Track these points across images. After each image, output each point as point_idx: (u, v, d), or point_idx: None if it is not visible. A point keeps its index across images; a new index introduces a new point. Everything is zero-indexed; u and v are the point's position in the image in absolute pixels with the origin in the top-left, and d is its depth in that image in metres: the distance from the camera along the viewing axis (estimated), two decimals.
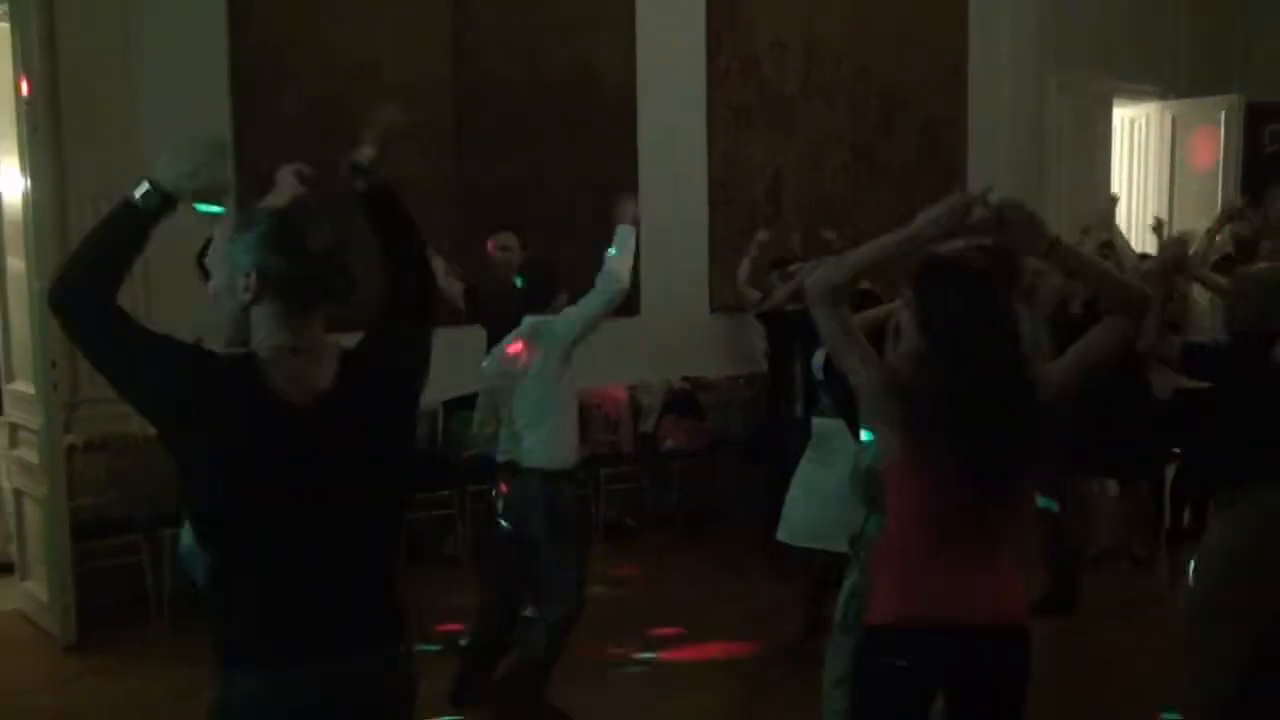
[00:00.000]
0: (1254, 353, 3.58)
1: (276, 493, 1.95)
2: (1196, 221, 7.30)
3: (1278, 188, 4.58)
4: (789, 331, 5.73)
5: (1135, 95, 10.26)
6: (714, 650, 5.02)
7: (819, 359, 4.58)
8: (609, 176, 7.04)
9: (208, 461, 1.94)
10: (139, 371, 1.96)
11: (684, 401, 7.34)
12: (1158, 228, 6.66)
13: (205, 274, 3.51)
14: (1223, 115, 9.86)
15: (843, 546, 4.52)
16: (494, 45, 6.71)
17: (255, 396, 1.94)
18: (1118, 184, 10.35)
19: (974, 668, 2.42)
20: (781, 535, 4.67)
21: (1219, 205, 6.20)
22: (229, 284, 2.01)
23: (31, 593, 5.35)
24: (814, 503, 4.56)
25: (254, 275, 1.96)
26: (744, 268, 6.87)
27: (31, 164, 4.93)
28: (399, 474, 2.13)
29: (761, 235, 7.04)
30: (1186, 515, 6.61)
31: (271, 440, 1.95)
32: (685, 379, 7.43)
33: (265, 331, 2.00)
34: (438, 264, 4.49)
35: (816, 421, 4.64)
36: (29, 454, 5.26)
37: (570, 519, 4.17)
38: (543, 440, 4.10)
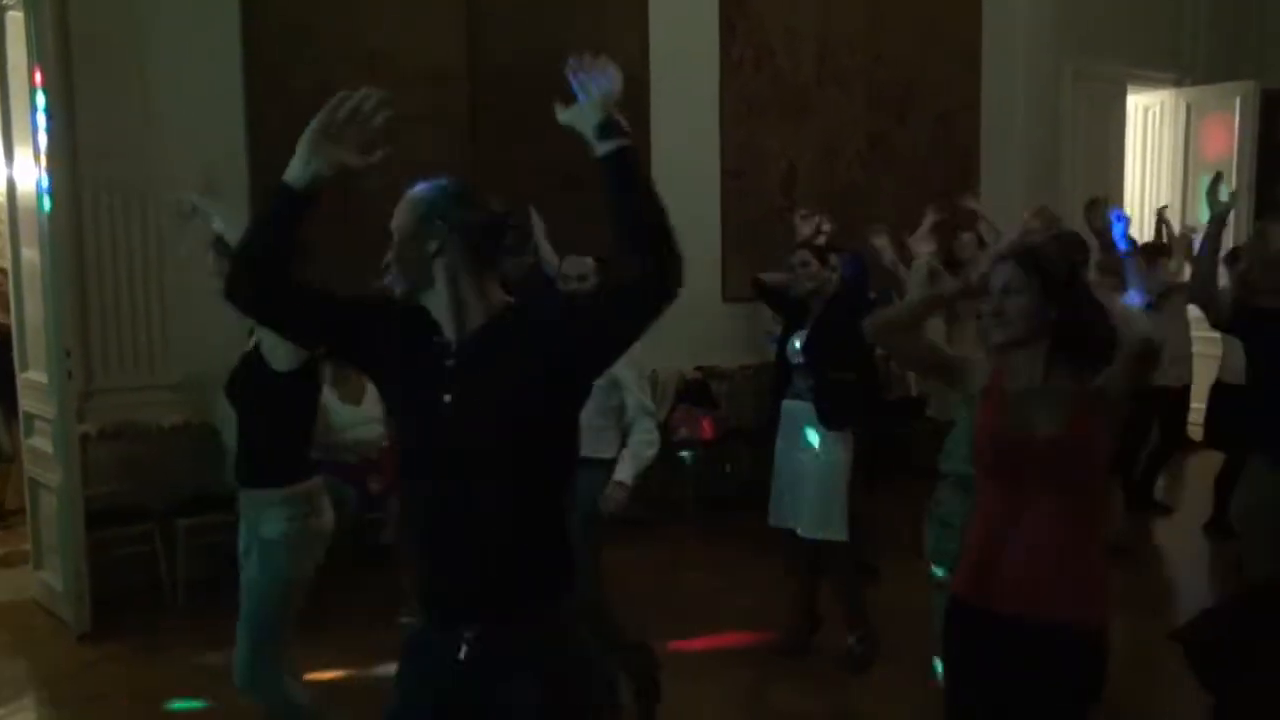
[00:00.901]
0: None
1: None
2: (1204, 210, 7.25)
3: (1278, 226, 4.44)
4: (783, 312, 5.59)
5: (1150, 82, 10.17)
6: (726, 640, 5.02)
7: (796, 343, 4.59)
8: None
9: None
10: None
11: (697, 391, 7.33)
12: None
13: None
14: (1238, 102, 9.79)
15: (813, 532, 4.52)
16: (508, 33, 6.67)
17: None
18: (1131, 172, 10.30)
19: None
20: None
21: (1234, 193, 6.12)
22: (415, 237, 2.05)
23: (46, 581, 5.36)
24: (784, 485, 4.63)
25: (446, 229, 2.03)
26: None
27: (45, 153, 4.91)
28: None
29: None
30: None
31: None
32: (698, 369, 7.42)
33: (442, 283, 2.06)
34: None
35: (785, 404, 4.67)
36: (43, 443, 5.26)
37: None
38: None
